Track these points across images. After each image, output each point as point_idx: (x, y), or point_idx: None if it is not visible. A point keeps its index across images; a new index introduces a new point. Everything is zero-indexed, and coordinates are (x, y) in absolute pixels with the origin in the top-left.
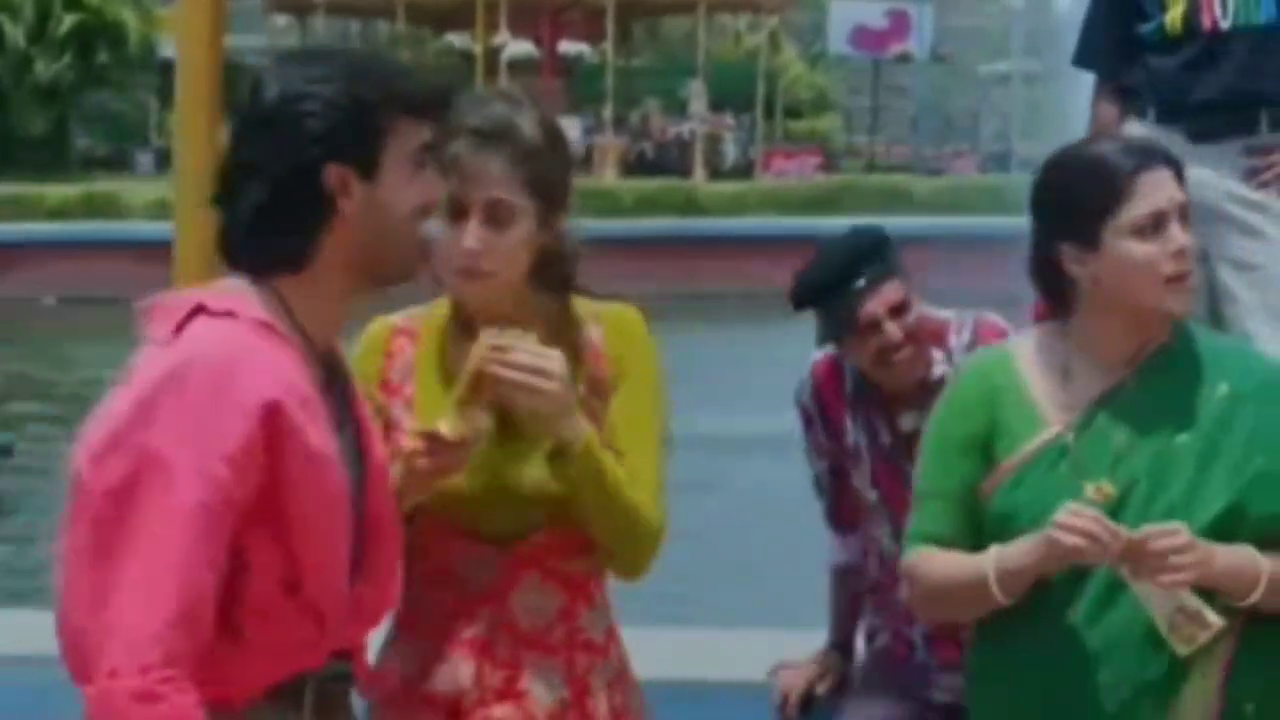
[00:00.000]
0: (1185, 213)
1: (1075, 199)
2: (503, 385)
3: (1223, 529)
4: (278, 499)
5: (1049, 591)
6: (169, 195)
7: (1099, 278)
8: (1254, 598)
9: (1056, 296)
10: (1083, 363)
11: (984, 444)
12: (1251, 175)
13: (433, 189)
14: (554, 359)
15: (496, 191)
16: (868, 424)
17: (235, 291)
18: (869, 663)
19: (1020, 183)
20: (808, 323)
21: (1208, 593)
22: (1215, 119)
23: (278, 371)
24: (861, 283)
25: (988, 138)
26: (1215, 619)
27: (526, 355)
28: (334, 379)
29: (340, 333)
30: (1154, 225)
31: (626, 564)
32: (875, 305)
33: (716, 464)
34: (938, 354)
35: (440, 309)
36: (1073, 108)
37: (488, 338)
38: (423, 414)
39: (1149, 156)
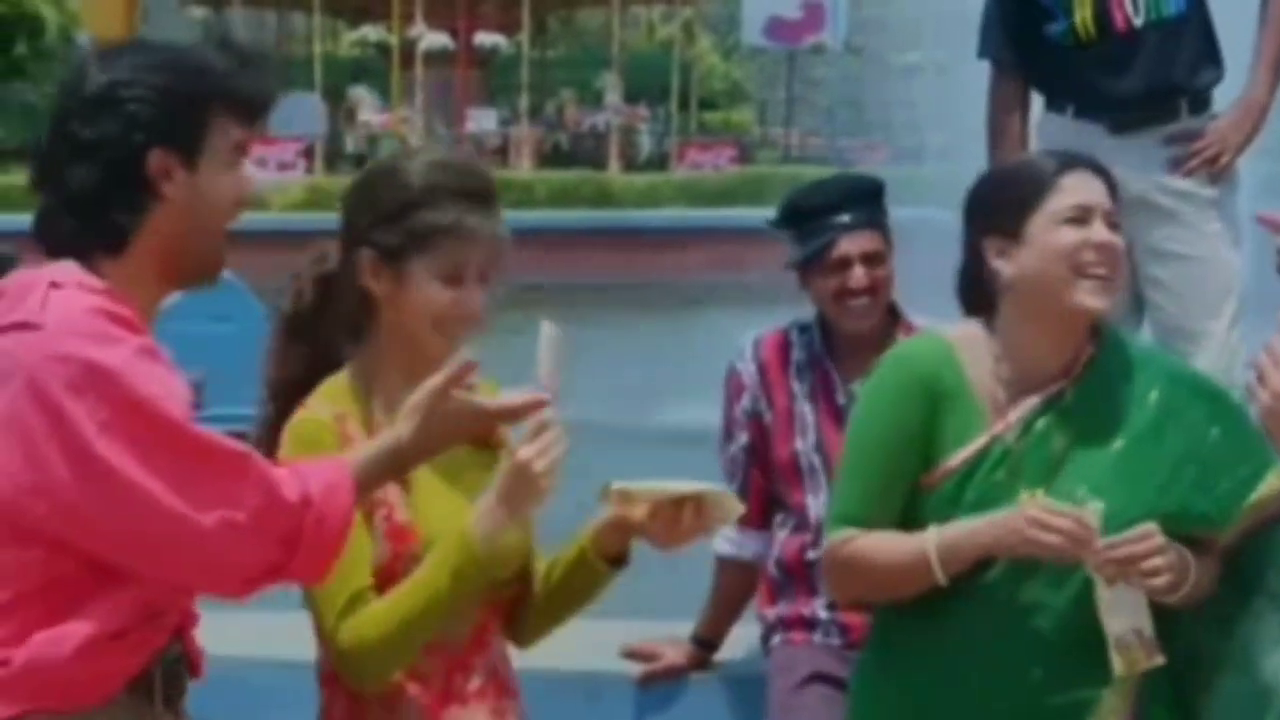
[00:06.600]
0: (1113, 219)
1: (1003, 193)
2: None
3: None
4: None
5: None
6: None
7: (1021, 271)
8: (1180, 593)
9: (980, 300)
10: (1014, 368)
11: (923, 435)
12: (1176, 164)
13: (247, 184)
14: None
15: (498, 254)
16: (822, 388)
17: (74, 271)
18: (791, 658)
19: (931, 175)
20: (717, 316)
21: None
22: (1136, 111)
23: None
24: (846, 219)
25: (899, 129)
26: (1160, 656)
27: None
28: None
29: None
30: (1080, 217)
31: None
32: (851, 245)
33: (633, 456)
34: (903, 336)
35: (330, 386)
36: (983, 98)
37: None
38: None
39: (1075, 160)
